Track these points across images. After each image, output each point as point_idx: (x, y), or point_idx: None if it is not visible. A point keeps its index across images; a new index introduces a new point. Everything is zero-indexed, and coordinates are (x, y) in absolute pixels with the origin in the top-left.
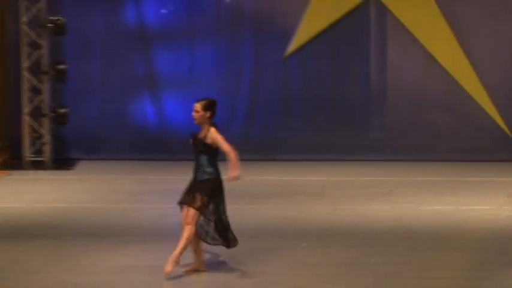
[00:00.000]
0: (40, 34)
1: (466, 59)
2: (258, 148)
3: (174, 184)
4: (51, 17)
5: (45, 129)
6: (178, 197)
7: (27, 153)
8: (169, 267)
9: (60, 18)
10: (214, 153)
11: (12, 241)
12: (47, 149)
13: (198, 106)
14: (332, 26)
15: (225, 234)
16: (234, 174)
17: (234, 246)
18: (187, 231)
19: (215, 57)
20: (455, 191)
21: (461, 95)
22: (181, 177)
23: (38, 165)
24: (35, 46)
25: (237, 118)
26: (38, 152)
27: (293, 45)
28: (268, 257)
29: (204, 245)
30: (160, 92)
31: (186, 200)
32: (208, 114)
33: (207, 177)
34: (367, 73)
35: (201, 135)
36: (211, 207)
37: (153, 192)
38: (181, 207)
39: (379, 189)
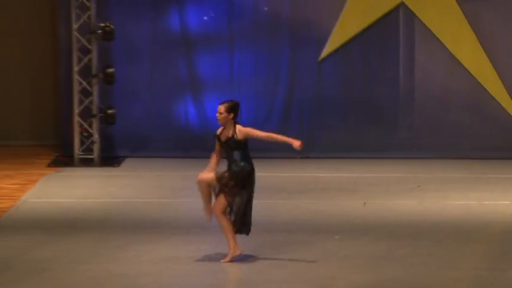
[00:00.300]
0: (90, 40)
1: (488, 61)
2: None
3: None
4: (101, 24)
5: (94, 129)
6: None
7: (77, 151)
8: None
9: (108, 25)
10: (246, 148)
11: (63, 233)
12: (96, 148)
13: (221, 108)
14: (363, 32)
15: (243, 218)
16: (296, 141)
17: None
18: (221, 223)
19: (254, 61)
20: (478, 187)
21: (484, 96)
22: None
23: (87, 163)
24: (85, 51)
25: (273, 118)
26: (87, 150)
27: (327, 50)
28: (302, 249)
29: (240, 237)
30: (202, 94)
31: (218, 174)
32: (231, 115)
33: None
34: (396, 76)
35: (229, 134)
36: (241, 197)
37: (195, 188)
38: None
39: (407, 185)
